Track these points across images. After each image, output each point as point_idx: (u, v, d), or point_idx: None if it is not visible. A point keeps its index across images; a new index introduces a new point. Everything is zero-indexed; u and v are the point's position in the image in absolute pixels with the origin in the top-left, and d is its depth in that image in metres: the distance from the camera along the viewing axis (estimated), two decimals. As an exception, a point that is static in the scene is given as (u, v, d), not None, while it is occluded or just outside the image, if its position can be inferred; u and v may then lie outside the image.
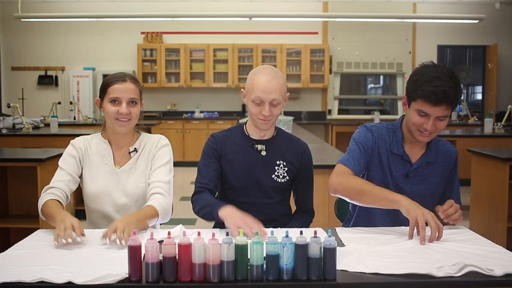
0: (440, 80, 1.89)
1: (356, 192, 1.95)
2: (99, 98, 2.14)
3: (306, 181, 2.24)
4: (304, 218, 2.23)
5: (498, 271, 1.41)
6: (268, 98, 2.04)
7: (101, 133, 2.22)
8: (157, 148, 2.16)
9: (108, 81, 2.11)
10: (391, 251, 1.63)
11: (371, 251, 1.63)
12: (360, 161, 2.07)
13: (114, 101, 2.08)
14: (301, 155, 2.21)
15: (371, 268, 1.46)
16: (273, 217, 2.12)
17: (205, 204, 2.01)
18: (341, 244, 1.75)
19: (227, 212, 1.87)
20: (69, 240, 1.66)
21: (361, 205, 2.03)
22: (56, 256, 1.58)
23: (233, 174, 2.14)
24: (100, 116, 9.17)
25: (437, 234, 1.73)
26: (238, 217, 1.81)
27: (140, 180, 2.13)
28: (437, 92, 1.87)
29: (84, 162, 2.15)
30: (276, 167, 2.16)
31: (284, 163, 2.17)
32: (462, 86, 1.97)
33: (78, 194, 3.28)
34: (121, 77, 2.10)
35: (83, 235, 1.72)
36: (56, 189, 2.03)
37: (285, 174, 2.16)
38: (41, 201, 1.98)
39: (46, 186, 2.05)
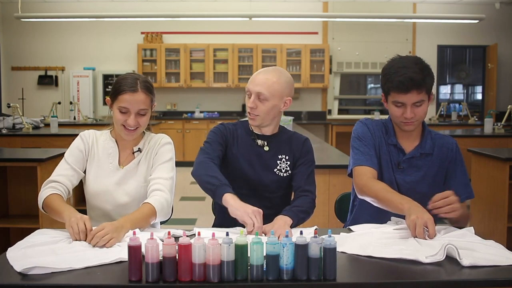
0: (405, 68, 1.97)
1: (374, 197, 1.99)
2: (109, 99, 2.08)
3: (305, 164, 2.18)
4: (306, 196, 2.12)
5: (466, 261, 1.47)
6: (253, 90, 2.07)
7: (110, 131, 2.20)
8: (159, 145, 2.14)
9: (119, 88, 2.03)
10: (393, 238, 1.72)
11: (375, 237, 1.72)
12: (370, 154, 2.09)
13: (123, 110, 2.03)
14: (303, 144, 2.21)
15: (367, 252, 1.58)
16: (275, 212, 2.03)
17: (215, 175, 1.96)
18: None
19: (236, 202, 1.86)
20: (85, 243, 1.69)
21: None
22: (55, 249, 1.61)
23: (234, 167, 2.14)
24: (103, 115, 9.18)
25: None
26: (249, 208, 1.82)
27: (142, 180, 2.11)
28: (403, 80, 1.96)
29: (90, 157, 2.14)
30: (278, 161, 2.16)
31: (287, 157, 2.17)
32: (431, 69, 2.02)
33: (79, 194, 3.28)
34: (132, 86, 2.01)
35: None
36: (57, 184, 2.02)
37: (288, 168, 2.17)
38: (42, 195, 1.97)
39: (48, 179, 2.03)
